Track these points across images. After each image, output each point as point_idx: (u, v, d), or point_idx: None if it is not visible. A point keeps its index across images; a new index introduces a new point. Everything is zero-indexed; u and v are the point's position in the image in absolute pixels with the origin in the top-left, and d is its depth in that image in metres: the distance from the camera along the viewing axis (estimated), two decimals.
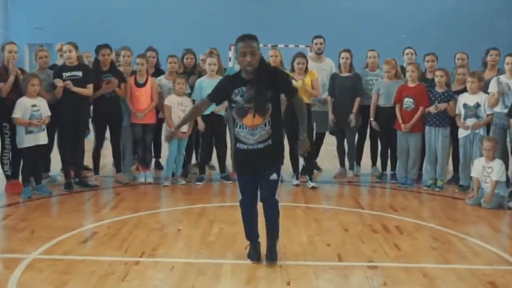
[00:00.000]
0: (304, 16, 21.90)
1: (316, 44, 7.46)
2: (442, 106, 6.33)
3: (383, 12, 22.39)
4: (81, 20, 21.67)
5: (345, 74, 7.04)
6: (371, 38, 16.69)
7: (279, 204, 4.04)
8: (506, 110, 6.07)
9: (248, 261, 4.07)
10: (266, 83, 3.71)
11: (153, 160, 7.29)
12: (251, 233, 4.09)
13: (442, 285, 3.79)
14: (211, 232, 4.88)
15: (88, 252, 4.34)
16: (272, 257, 3.96)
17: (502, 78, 6.19)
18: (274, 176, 3.86)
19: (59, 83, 6.01)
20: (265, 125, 3.77)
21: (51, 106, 6.07)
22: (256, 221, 4.09)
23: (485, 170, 5.95)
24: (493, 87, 6.21)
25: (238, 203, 4.13)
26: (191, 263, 4.12)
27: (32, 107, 5.81)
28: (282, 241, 4.50)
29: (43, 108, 5.92)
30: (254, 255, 4.02)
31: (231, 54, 7.98)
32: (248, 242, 4.13)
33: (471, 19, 22.24)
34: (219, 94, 3.96)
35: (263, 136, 3.78)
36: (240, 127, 3.82)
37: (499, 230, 5.11)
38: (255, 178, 3.93)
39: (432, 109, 6.38)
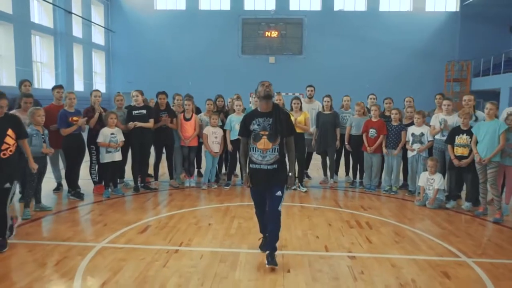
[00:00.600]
0: (299, 72, 21.56)
1: (308, 91, 6.89)
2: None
3: (354, 67, 22.02)
4: (156, 75, 21.72)
5: (327, 112, 6.44)
6: (345, 86, 16.08)
7: (281, 214, 3.34)
8: (444, 138, 5.44)
9: (258, 251, 3.48)
10: (277, 118, 3.22)
11: (196, 170, 6.72)
12: (264, 229, 3.51)
13: (407, 274, 3.15)
14: (232, 226, 4.29)
15: (142, 241, 3.77)
16: (273, 263, 3.18)
17: (441, 115, 5.54)
18: (279, 193, 3.26)
19: (131, 125, 5.55)
20: (273, 151, 3.22)
21: (125, 134, 5.58)
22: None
23: (429, 181, 5.32)
24: (433, 121, 5.60)
25: (253, 202, 3.54)
26: (216, 252, 3.54)
27: (111, 135, 5.32)
28: (284, 235, 3.90)
29: (119, 135, 5.43)
30: (264, 247, 3.42)
31: (251, 99, 7.59)
32: (261, 236, 3.58)
33: (415, 71, 21.75)
34: (244, 129, 3.34)
35: (271, 160, 3.22)
36: (253, 150, 3.26)
37: (444, 227, 4.41)
38: (263, 191, 3.34)
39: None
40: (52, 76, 18.19)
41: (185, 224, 4.32)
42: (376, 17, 22.42)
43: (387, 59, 22.17)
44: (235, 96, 6.65)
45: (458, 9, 22.41)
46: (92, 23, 21.48)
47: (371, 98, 6.87)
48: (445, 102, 5.48)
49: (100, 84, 22.63)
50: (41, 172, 4.57)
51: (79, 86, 19.67)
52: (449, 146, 5.20)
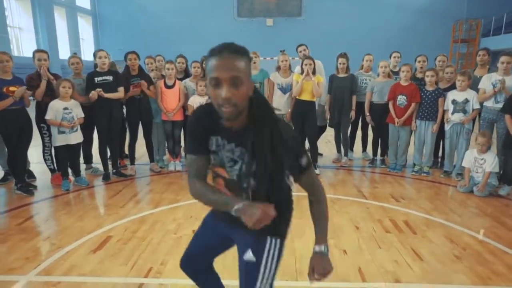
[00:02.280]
0: (298, 35, 19.73)
1: (300, 51, 5.41)
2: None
3: (356, 29, 20.04)
4: (148, 41, 19.83)
5: (342, 74, 5.02)
6: (348, 49, 14.41)
7: None
8: (496, 105, 4.10)
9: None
10: (255, 141, 1.26)
11: (182, 150, 5.38)
12: None
13: None
14: None
15: (90, 270, 2.50)
16: None
17: (494, 75, 4.15)
18: (248, 255, 1.88)
19: (93, 94, 4.12)
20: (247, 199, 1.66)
21: (86, 108, 4.20)
22: None
23: (478, 161, 4.02)
24: (484, 84, 4.20)
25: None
26: None
27: (64, 110, 3.93)
28: (295, 249, 2.65)
29: (75, 111, 4.02)
30: None
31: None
32: None
33: (420, 32, 19.93)
34: (196, 146, 1.35)
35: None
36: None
37: (510, 228, 3.16)
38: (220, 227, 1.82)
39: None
40: (33, 43, 16.36)
41: (160, 232, 3.04)
42: None
43: (391, 19, 20.26)
44: None
45: None
46: None
47: (394, 57, 5.44)
48: (503, 59, 4.05)
49: (88, 52, 20.75)
50: None
51: (65, 53, 17.86)
52: (507, 117, 3.86)
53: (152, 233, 3.04)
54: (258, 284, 1.34)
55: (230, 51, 1.16)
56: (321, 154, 5.68)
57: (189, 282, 2.26)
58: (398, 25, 20.33)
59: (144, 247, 2.78)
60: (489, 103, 4.19)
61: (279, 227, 1.37)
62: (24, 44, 16.33)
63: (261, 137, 1.22)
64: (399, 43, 19.27)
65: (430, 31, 20.15)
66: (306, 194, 1.43)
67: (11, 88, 3.67)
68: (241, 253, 1.39)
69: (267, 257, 1.36)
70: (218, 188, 1.38)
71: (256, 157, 1.24)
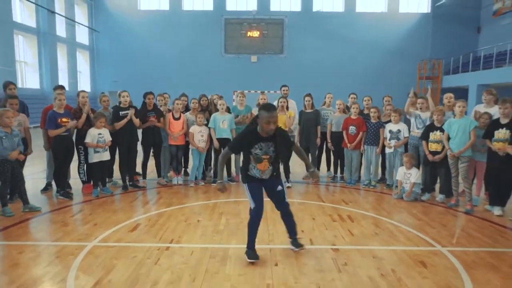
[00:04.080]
0: (280, 71, 21.63)
1: (283, 90, 6.80)
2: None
3: (333, 65, 22.20)
4: (141, 74, 21.39)
5: (309, 110, 6.50)
6: (325, 84, 16.17)
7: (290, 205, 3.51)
8: (417, 132, 5.60)
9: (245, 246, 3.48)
10: (279, 143, 3.20)
11: (183, 169, 6.67)
12: (252, 242, 3.28)
13: (388, 264, 3.23)
14: (220, 222, 4.30)
15: (133, 240, 3.73)
16: (298, 245, 3.47)
17: (416, 112, 5.69)
18: (279, 188, 3.34)
19: (127, 116, 5.51)
20: (271, 170, 3.27)
21: (112, 134, 5.49)
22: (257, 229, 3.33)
23: (406, 175, 5.45)
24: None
25: (249, 209, 3.32)
26: (206, 248, 3.54)
27: (98, 135, 5.23)
28: (270, 229, 3.94)
29: (106, 136, 5.33)
30: (255, 255, 3.26)
31: (234, 97, 7.65)
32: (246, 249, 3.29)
33: (389, 69, 22.15)
34: (239, 147, 3.27)
35: (269, 174, 3.27)
36: (253, 168, 3.23)
37: (420, 219, 4.54)
38: (262, 185, 3.32)
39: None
40: (36, 76, 17.64)
41: (174, 221, 4.29)
42: (353, 17, 22.70)
43: (364, 58, 22.53)
44: (216, 96, 6.68)
45: (429, 11, 22.93)
46: (76, 23, 20.90)
47: (352, 98, 6.94)
48: (419, 100, 5.63)
49: (84, 83, 22.10)
50: (15, 175, 4.40)
51: (64, 85, 19.08)
52: (423, 142, 5.34)
53: (169, 222, 4.28)
54: (285, 195, 3.39)
55: (273, 109, 3.06)
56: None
57: (199, 245, 3.55)
58: (371, 62, 22.56)
59: (165, 229, 4.02)
60: (413, 133, 5.68)
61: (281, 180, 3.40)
62: (28, 77, 17.58)
63: (279, 138, 3.17)
64: (371, 79, 21.59)
65: (399, 68, 22.43)
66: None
67: (64, 120, 4.96)
68: (275, 188, 3.33)
69: (283, 187, 3.35)
70: (263, 164, 3.20)
71: (278, 145, 3.17)
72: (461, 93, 5.36)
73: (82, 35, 21.92)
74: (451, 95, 5.61)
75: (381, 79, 21.63)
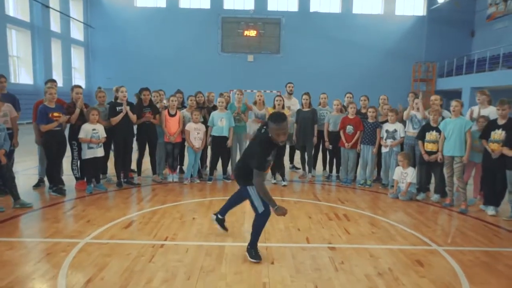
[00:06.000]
0: (276, 71, 21.61)
1: (289, 87, 6.97)
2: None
3: (329, 66, 22.20)
4: (135, 71, 21.19)
5: (306, 109, 6.46)
6: (321, 85, 16.15)
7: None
8: (413, 132, 5.59)
9: (242, 244, 3.43)
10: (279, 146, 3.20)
11: (179, 166, 6.59)
12: (257, 241, 3.24)
13: (384, 263, 3.20)
14: None
15: (127, 237, 3.65)
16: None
17: (412, 112, 5.68)
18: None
19: (124, 109, 5.43)
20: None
21: (107, 130, 5.39)
22: None
23: (402, 174, 5.44)
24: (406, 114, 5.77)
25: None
26: (201, 246, 3.48)
27: (92, 130, 5.13)
28: (266, 228, 3.88)
29: (100, 131, 5.23)
30: (258, 255, 3.20)
31: (231, 95, 7.70)
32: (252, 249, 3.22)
33: (384, 71, 22.22)
34: (266, 162, 3.08)
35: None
36: None
37: (416, 218, 4.52)
38: None
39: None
40: (29, 71, 17.39)
41: (169, 219, 4.22)
42: (349, 19, 22.75)
43: (359, 59, 22.57)
44: (219, 93, 6.62)
45: (425, 14, 23.07)
46: (71, 18, 20.66)
47: (348, 97, 6.94)
48: (416, 100, 5.62)
49: (79, 79, 21.86)
50: (2, 172, 4.30)
51: (57, 81, 18.83)
52: (419, 142, 5.34)
53: (163, 219, 4.21)
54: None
55: (281, 120, 2.92)
56: (298, 168, 7.17)
57: (194, 243, 3.49)
58: (366, 64, 22.62)
59: (159, 226, 3.95)
60: (409, 133, 5.67)
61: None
62: (21, 72, 17.32)
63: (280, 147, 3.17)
64: (366, 80, 21.62)
65: (394, 70, 22.52)
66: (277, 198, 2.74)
67: (55, 114, 4.85)
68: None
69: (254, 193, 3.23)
70: (268, 167, 3.20)
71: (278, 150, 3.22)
72: (454, 96, 5.37)
73: (77, 31, 21.68)
74: (437, 96, 5.58)
75: (376, 80, 21.69)
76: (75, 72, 21.71)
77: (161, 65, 22.07)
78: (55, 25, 19.22)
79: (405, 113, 5.77)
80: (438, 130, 5.14)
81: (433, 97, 5.51)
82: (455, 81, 19.98)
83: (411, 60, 22.31)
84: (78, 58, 22.12)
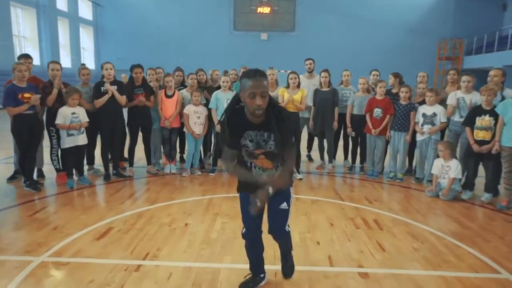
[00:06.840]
0: (291, 49, 20.30)
1: (307, 64, 5.86)
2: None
3: (347, 45, 20.70)
4: (147, 51, 20.22)
5: (325, 88, 5.42)
6: (338, 64, 14.89)
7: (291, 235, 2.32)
8: (461, 120, 4.50)
9: (243, 266, 2.54)
10: (276, 130, 1.90)
11: (178, 155, 5.73)
12: (254, 267, 2.37)
13: None
14: (214, 227, 3.35)
15: (96, 253, 2.80)
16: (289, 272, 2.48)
17: (459, 93, 4.58)
18: (284, 205, 2.11)
19: (108, 88, 4.56)
20: (276, 169, 2.06)
21: (91, 114, 4.53)
22: (261, 255, 2.35)
23: (444, 168, 4.41)
24: (450, 100, 4.62)
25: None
26: (190, 268, 2.60)
27: (72, 115, 4.27)
28: (275, 243, 2.98)
29: (82, 116, 4.37)
30: (256, 282, 2.37)
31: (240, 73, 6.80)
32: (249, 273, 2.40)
33: (408, 49, 20.58)
34: (234, 142, 1.99)
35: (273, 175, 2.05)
36: (251, 165, 2.08)
37: (467, 227, 3.52)
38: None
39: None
40: (36, 51, 16.68)
41: (156, 225, 3.37)
42: None
43: (380, 37, 20.93)
44: (224, 71, 5.63)
45: None
46: None
47: (374, 75, 5.87)
48: (464, 78, 4.50)
49: (88, 60, 21.09)
50: None
51: (66, 62, 18.17)
52: (467, 129, 4.28)
53: (149, 225, 3.36)
54: (288, 220, 2.18)
55: (260, 75, 1.80)
56: (312, 159, 6.26)
57: (181, 264, 2.62)
58: (387, 41, 21.00)
59: (142, 236, 3.10)
60: (455, 117, 4.60)
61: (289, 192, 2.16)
62: (27, 52, 16.62)
63: (277, 123, 1.89)
64: (387, 59, 20.04)
65: (417, 48, 20.84)
66: None
67: (26, 95, 4.00)
68: (276, 204, 2.10)
69: (289, 205, 2.15)
70: (261, 161, 2.02)
71: (275, 133, 1.90)
72: (484, 75, 4.32)
73: (85, 10, 20.76)
74: (498, 71, 4.43)
75: (398, 59, 20.09)
76: (84, 52, 20.93)
77: (173, 44, 21.04)
78: (62, 3, 18.33)
79: (448, 107, 4.66)
80: (492, 114, 4.07)
81: (492, 72, 4.38)
82: (485, 58, 18.24)
83: (437, 36, 20.55)
84: (87, 38, 21.29)
